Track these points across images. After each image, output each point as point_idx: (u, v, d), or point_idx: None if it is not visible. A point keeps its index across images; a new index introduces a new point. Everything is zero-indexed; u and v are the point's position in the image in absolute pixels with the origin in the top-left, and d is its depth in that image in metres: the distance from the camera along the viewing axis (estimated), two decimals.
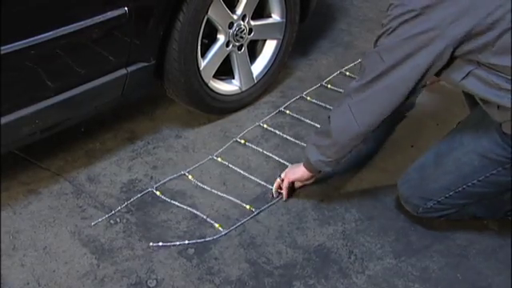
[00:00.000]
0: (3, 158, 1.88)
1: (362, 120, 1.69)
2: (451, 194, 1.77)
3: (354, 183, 2.12)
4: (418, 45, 1.53)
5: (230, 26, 2.21)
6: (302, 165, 1.94)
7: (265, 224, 1.94)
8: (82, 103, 1.89)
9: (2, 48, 1.54)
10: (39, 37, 1.62)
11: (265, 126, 2.36)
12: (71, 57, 1.76)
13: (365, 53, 1.69)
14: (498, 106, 1.58)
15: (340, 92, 2.54)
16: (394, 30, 1.57)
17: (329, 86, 2.62)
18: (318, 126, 2.39)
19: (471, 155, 1.71)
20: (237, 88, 2.39)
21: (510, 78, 1.51)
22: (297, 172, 1.97)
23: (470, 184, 1.73)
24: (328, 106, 2.46)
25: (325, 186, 2.10)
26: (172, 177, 2.09)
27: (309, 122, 2.40)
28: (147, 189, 2.04)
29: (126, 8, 1.80)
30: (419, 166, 1.85)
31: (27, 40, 1.59)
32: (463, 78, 1.58)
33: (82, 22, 1.71)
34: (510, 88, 1.52)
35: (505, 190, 1.76)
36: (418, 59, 1.55)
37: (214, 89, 2.29)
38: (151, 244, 1.83)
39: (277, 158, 2.20)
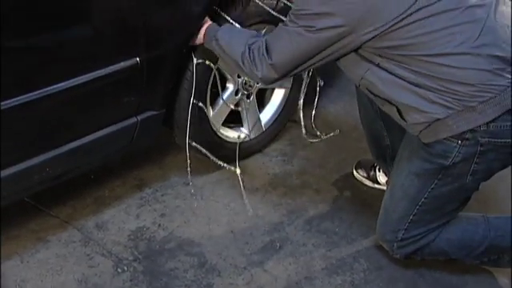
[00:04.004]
0: (14, 205, 1.89)
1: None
2: (411, 218, 1.81)
3: (362, 232, 2.11)
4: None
5: (239, 75, 2.24)
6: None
7: (272, 273, 1.93)
8: (93, 151, 1.91)
9: (15, 99, 1.57)
10: (51, 87, 1.64)
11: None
12: (83, 106, 1.79)
13: None
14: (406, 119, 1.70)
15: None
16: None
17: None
18: (325, 171, 2.41)
19: (410, 177, 1.78)
20: (245, 136, 2.41)
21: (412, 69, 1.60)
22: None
23: (420, 204, 1.79)
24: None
25: (332, 236, 2.09)
26: None
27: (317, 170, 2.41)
28: (154, 236, 2.04)
29: (137, 58, 1.83)
30: (383, 202, 1.91)
31: (40, 91, 1.62)
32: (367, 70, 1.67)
33: (94, 73, 1.74)
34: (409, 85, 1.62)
35: (456, 202, 1.82)
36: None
37: (222, 136, 2.31)
38: None
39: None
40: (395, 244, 1.87)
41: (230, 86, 2.25)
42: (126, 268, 1.91)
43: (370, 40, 1.59)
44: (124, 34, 1.79)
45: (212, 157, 2.23)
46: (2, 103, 1.55)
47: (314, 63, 1.70)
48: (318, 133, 2.58)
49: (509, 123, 1.62)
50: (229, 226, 2.11)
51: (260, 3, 2.09)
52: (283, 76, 1.77)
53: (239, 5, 2.08)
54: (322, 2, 1.59)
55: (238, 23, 2.01)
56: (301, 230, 2.11)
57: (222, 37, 1.85)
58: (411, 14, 1.55)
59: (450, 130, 1.63)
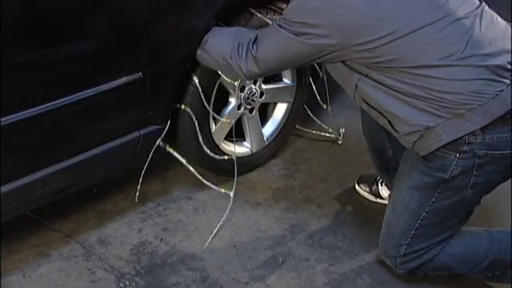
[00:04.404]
0: (16, 220, 1.89)
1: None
2: (413, 233, 1.81)
3: (365, 246, 2.10)
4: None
5: (242, 89, 2.25)
6: None
7: None
8: (96, 165, 1.91)
9: (20, 113, 1.59)
10: (55, 102, 1.66)
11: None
12: (86, 121, 1.79)
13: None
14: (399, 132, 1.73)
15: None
16: None
17: None
18: (327, 186, 2.41)
19: (410, 191, 1.79)
20: (247, 150, 2.41)
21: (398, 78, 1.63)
22: None
23: (421, 218, 1.79)
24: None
25: (335, 251, 2.09)
26: None
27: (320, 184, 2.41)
28: (156, 250, 2.03)
29: (140, 73, 1.84)
30: (384, 217, 1.92)
31: (44, 105, 1.63)
32: (359, 79, 1.71)
33: (97, 87, 1.75)
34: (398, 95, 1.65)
35: (457, 216, 1.82)
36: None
37: (224, 151, 2.31)
38: None
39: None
40: (398, 259, 1.87)
41: (233, 101, 2.26)
42: (128, 283, 1.90)
43: (355, 53, 1.64)
44: (127, 49, 1.81)
45: (197, 173, 2.25)
46: (6, 118, 1.56)
47: (297, 65, 1.80)
48: (333, 135, 2.67)
49: (505, 135, 1.63)
50: (231, 241, 2.11)
51: (263, 17, 2.10)
52: (265, 72, 1.83)
53: (242, 19, 2.09)
54: (311, 13, 1.64)
55: None
56: (303, 244, 2.11)
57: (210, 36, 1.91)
58: (397, 29, 1.59)
59: (440, 140, 1.65)
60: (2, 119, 1.56)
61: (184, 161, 2.20)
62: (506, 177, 1.75)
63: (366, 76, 1.69)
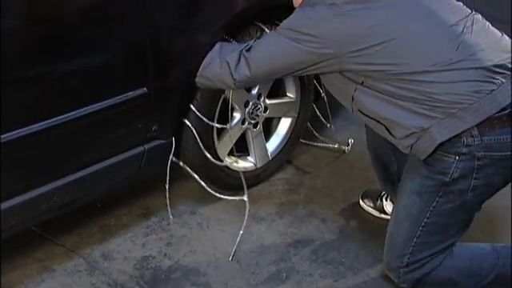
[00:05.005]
0: (20, 234, 1.89)
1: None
2: (415, 241, 1.81)
3: (369, 262, 2.10)
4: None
5: (246, 104, 2.26)
6: None
7: None
8: (100, 180, 1.92)
9: (27, 128, 1.60)
10: (61, 117, 1.67)
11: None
12: (91, 135, 1.80)
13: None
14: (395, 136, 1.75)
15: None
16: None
17: None
18: (332, 201, 2.40)
19: (412, 196, 1.80)
20: (252, 165, 2.41)
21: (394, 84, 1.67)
22: None
23: (423, 224, 1.79)
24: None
25: (339, 266, 2.08)
26: None
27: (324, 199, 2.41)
28: (160, 265, 2.02)
29: (145, 88, 1.85)
30: (388, 227, 1.91)
31: (50, 120, 1.64)
32: (355, 89, 1.75)
33: (102, 103, 1.76)
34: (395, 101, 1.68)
35: (458, 222, 1.81)
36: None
37: (229, 165, 2.32)
38: None
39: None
40: (401, 270, 1.85)
41: (237, 115, 2.27)
42: None
43: (349, 61, 1.69)
44: (132, 64, 1.82)
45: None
46: (13, 133, 1.57)
47: (289, 72, 1.84)
48: (337, 145, 2.72)
49: (503, 136, 1.65)
50: (235, 256, 2.10)
51: (268, 32, 2.12)
52: (256, 76, 1.85)
53: (246, 34, 2.11)
54: (309, 24, 1.72)
55: None
56: (307, 259, 2.10)
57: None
58: (390, 38, 1.65)
59: (434, 140, 1.67)
60: (9, 134, 1.57)
61: (198, 177, 2.24)
62: (507, 180, 1.76)
63: (361, 84, 1.73)
